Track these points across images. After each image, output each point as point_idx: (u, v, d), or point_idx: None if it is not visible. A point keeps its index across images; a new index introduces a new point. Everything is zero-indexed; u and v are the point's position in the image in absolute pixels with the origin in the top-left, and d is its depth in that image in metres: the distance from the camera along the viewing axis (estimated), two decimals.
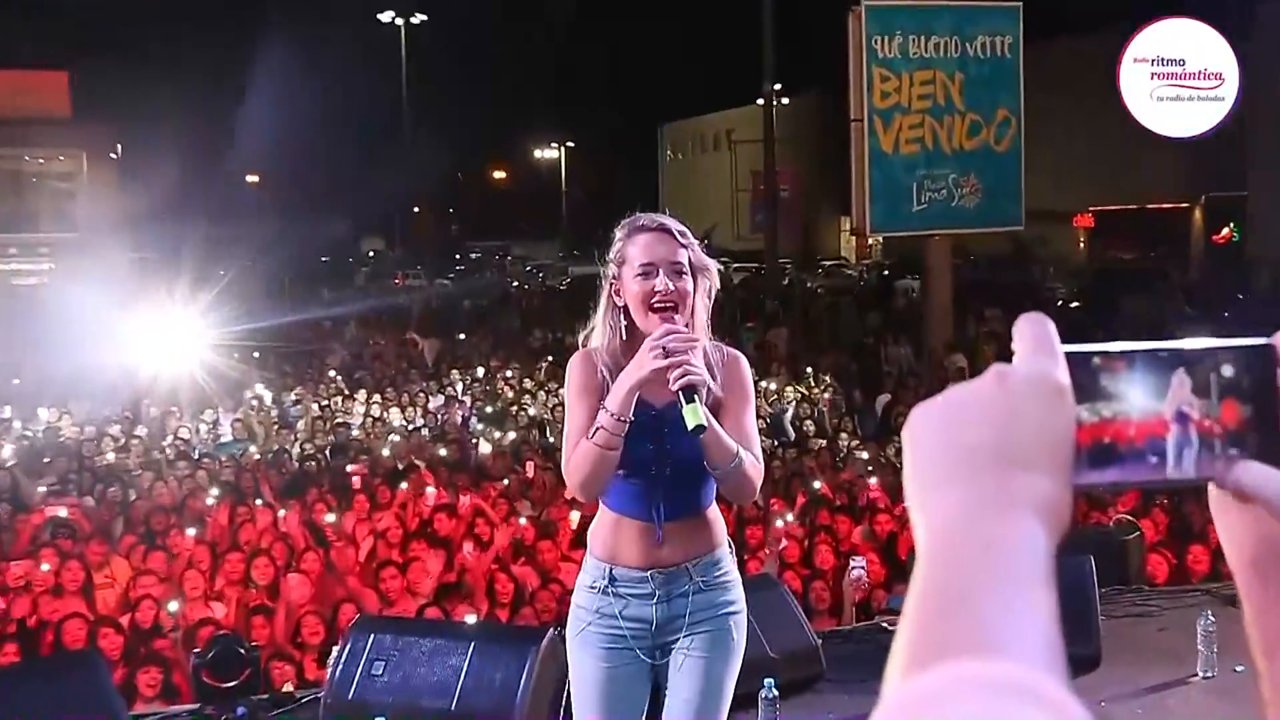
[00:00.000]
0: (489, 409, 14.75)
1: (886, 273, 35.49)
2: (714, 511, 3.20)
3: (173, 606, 6.82)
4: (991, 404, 0.76)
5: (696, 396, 2.86)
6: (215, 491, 9.97)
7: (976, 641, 0.64)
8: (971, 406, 0.76)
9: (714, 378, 3.06)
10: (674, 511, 3.13)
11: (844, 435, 12.44)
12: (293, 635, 6.69)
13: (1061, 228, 36.70)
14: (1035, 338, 0.79)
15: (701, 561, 3.15)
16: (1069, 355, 0.80)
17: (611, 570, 3.15)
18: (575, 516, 8.49)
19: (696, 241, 3.11)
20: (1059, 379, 0.78)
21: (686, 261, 3.07)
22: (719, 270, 3.18)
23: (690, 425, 2.83)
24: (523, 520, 8.67)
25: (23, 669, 5.69)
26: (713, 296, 3.13)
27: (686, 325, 3.01)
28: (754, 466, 3.02)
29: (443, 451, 11.87)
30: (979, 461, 0.74)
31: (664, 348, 2.87)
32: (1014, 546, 0.70)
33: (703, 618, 3.15)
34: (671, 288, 3.03)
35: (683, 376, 2.85)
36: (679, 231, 3.10)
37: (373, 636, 4.98)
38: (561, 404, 14.30)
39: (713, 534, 3.18)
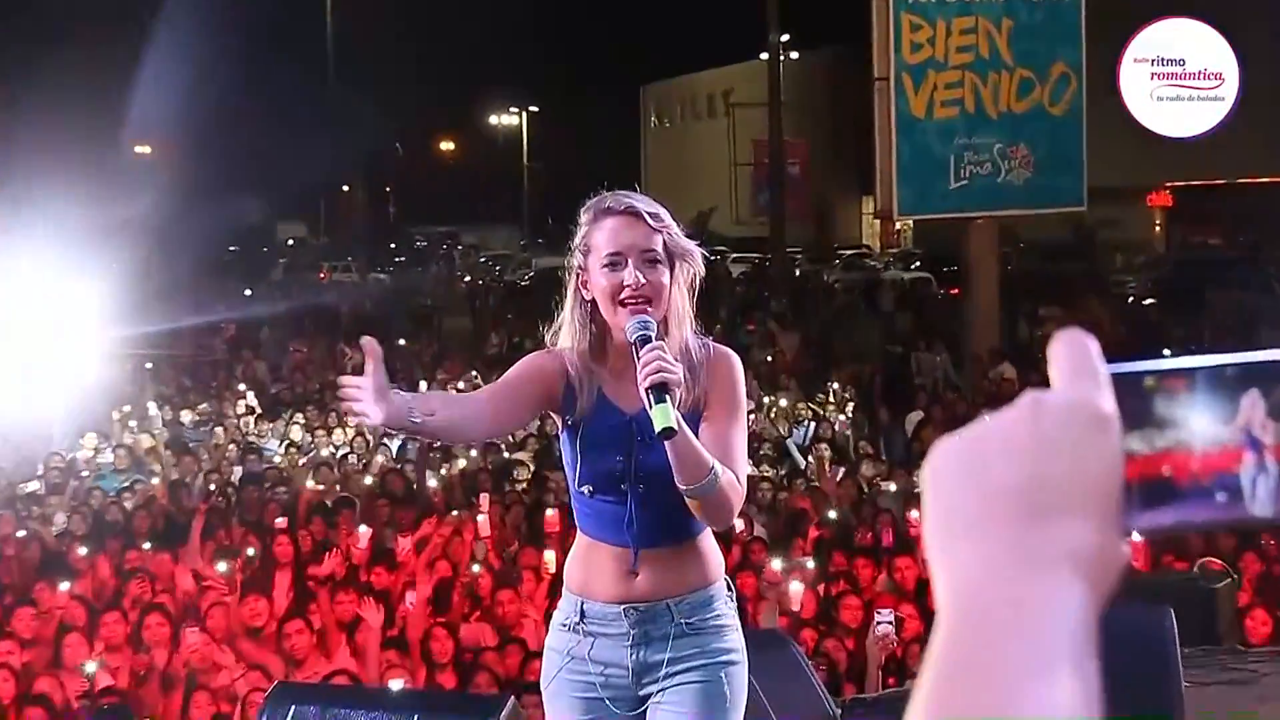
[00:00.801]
0: None
1: (918, 265, 35.62)
2: (706, 541, 3.24)
3: (90, 668, 6.79)
4: (1022, 438, 0.78)
5: (669, 396, 2.90)
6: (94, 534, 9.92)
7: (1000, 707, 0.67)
8: (999, 442, 0.78)
9: (695, 378, 3.12)
10: (649, 536, 3.17)
11: (867, 462, 12.45)
12: (184, 706, 6.65)
13: (1133, 208, 36.91)
14: (1074, 359, 0.81)
15: (687, 599, 3.19)
16: (1116, 377, 0.81)
17: (583, 604, 3.21)
18: (550, 557, 8.48)
19: (672, 222, 3.19)
20: (1102, 406, 0.79)
21: (660, 247, 3.14)
22: (703, 255, 3.24)
23: (658, 427, 2.88)
24: (475, 568, 8.66)
25: None
26: (696, 285, 3.19)
27: (662, 321, 3.10)
28: (732, 486, 3.05)
29: (369, 480, 11.87)
30: (1007, 507, 0.76)
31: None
32: (1045, 610, 0.72)
33: (687, 666, 3.18)
34: (643, 280, 3.10)
35: (656, 373, 2.90)
36: (650, 214, 3.17)
37: (294, 708, 4.95)
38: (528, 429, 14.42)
39: (703, 567, 3.22)
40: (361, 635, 7.33)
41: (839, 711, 5.70)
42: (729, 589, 3.28)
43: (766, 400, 14.95)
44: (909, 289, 28.91)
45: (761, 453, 12.72)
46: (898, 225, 41.36)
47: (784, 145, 31.03)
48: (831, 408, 15.08)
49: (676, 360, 3.00)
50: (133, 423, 14.98)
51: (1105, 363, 0.81)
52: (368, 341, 3.08)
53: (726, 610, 3.24)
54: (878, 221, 44.25)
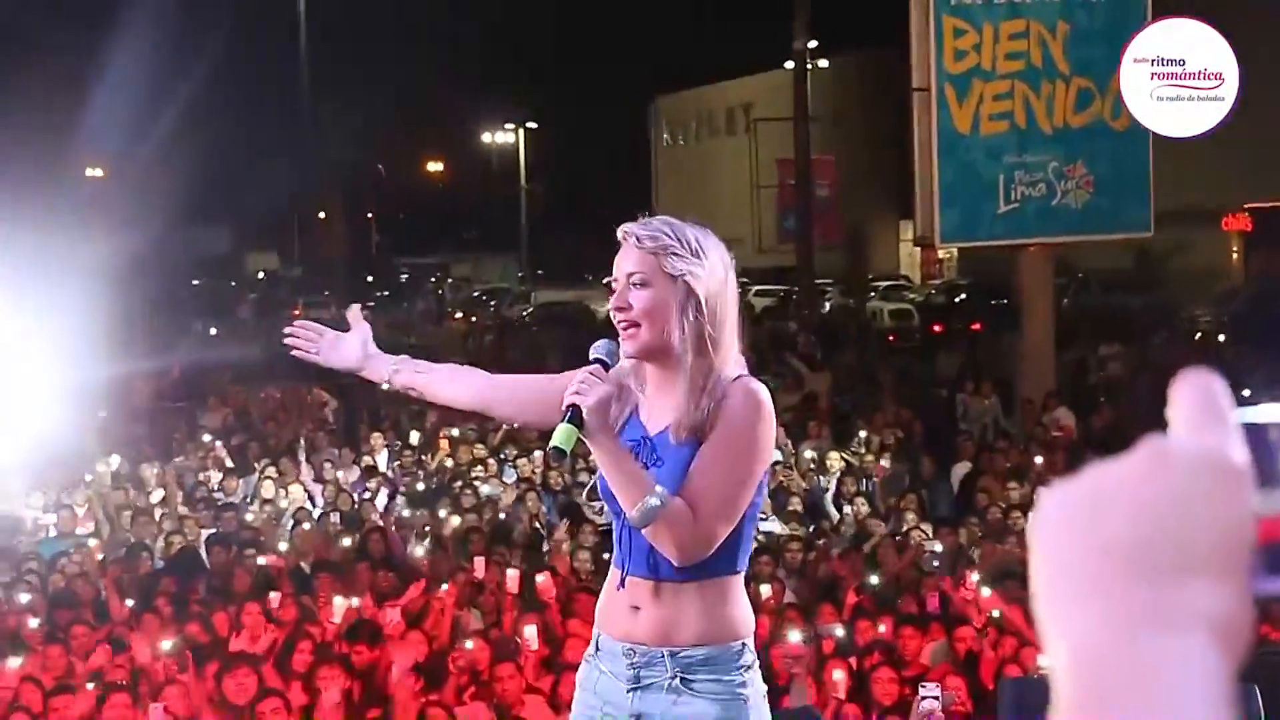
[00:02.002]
0: (422, 486, 14.75)
1: (964, 297, 35.66)
2: (718, 589, 3.30)
3: None
4: (1146, 491, 0.78)
5: (581, 420, 3.23)
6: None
7: None
8: (1118, 494, 0.79)
9: (699, 406, 3.32)
10: (642, 562, 3.33)
11: (909, 518, 12.44)
12: None
13: (1207, 233, 36.87)
14: (1200, 403, 0.81)
15: (688, 653, 3.27)
16: (1244, 426, 0.82)
17: (599, 636, 3.47)
18: (531, 632, 8.47)
19: (679, 240, 3.37)
20: (1233, 457, 0.80)
21: (651, 269, 3.37)
22: (723, 268, 3.41)
23: (551, 444, 3.29)
24: (469, 644, 8.66)
25: None
26: (708, 303, 3.35)
27: (667, 344, 3.35)
28: (676, 520, 3.18)
29: (346, 542, 11.89)
30: (1130, 566, 0.77)
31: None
32: (1186, 677, 0.73)
33: None
34: (627, 303, 3.40)
35: (571, 394, 3.27)
36: (641, 236, 3.40)
37: None
38: (527, 480, 14.45)
39: (711, 620, 3.29)
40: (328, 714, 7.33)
41: None
42: (748, 653, 3.32)
43: (792, 450, 14.94)
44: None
45: (789, 508, 12.73)
46: (940, 254, 41.42)
47: (811, 164, 31.10)
48: (868, 458, 15.08)
49: (666, 391, 3.37)
50: (88, 478, 14.97)
51: (1233, 409, 0.82)
52: (353, 309, 3.72)
53: (738, 678, 3.29)
54: (918, 249, 44.37)
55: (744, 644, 3.31)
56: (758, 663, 3.37)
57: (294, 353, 3.84)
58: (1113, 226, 17.49)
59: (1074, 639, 0.77)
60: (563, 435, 3.25)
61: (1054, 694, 0.77)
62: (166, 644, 8.51)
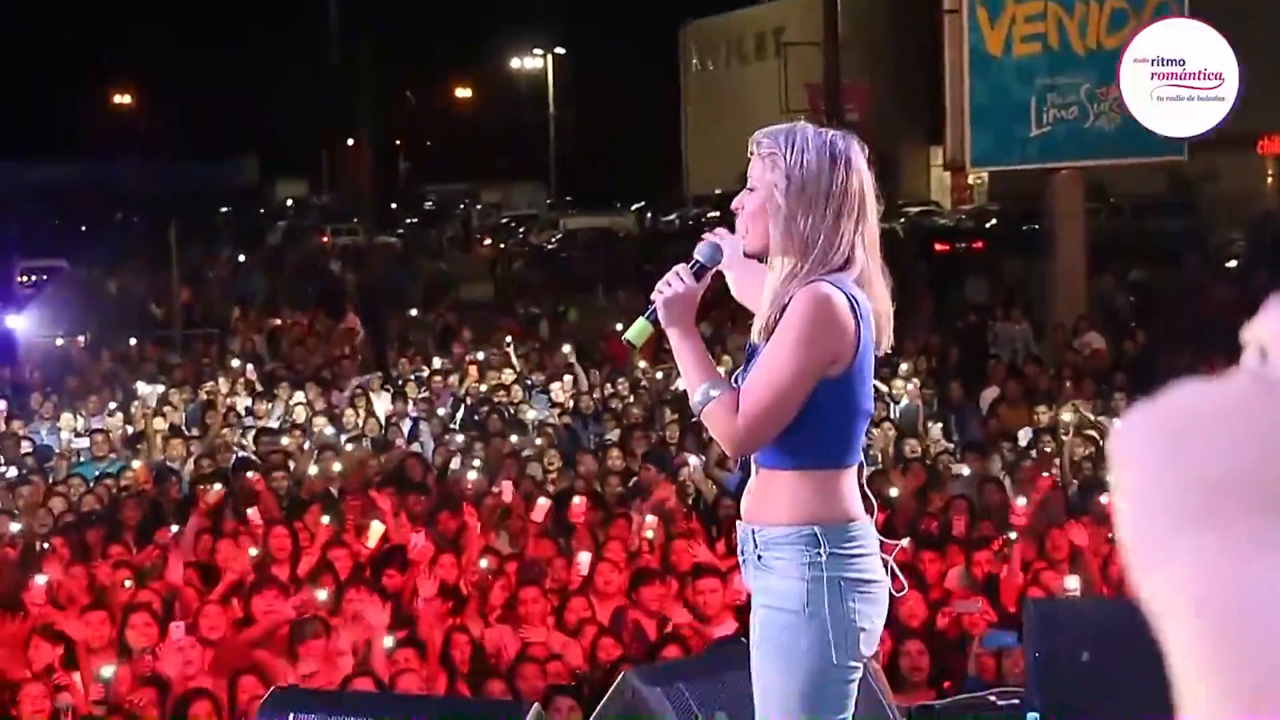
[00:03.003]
0: (449, 410, 14.78)
1: (994, 222, 35.45)
2: (794, 479, 3.53)
3: (106, 672, 6.86)
4: (1256, 417, 0.77)
5: (658, 314, 3.55)
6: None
7: None
8: (1225, 421, 0.77)
9: (776, 309, 3.52)
10: (755, 457, 3.63)
11: (936, 443, 12.42)
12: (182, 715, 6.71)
13: (1241, 156, 36.47)
14: None
15: (763, 531, 3.55)
16: None
17: None
18: (585, 558, 8.51)
19: (782, 142, 3.56)
20: None
21: (761, 174, 3.58)
22: (824, 173, 3.52)
23: (624, 335, 3.67)
24: (484, 563, 8.69)
25: None
26: (795, 208, 3.51)
27: (764, 246, 3.56)
28: (720, 414, 3.48)
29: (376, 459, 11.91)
30: (1243, 499, 0.75)
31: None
32: None
33: (758, 601, 3.60)
34: (740, 205, 3.65)
35: (656, 292, 3.56)
36: (761, 141, 3.62)
37: (292, 717, 4.99)
38: (560, 404, 14.46)
39: (781, 504, 3.54)
40: (368, 636, 7.37)
41: None
42: (816, 542, 3.48)
43: None
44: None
45: None
46: (971, 178, 41.15)
47: (842, 89, 30.86)
48: (896, 384, 15.02)
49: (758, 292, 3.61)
50: (113, 404, 15.06)
51: None
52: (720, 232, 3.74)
53: (804, 558, 3.48)
54: (948, 174, 44.07)
55: (814, 531, 3.47)
56: (843, 553, 3.49)
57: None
58: (1146, 150, 17.27)
59: (1188, 571, 0.76)
60: (635, 329, 3.63)
61: (1166, 627, 0.76)
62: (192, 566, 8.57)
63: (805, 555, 3.47)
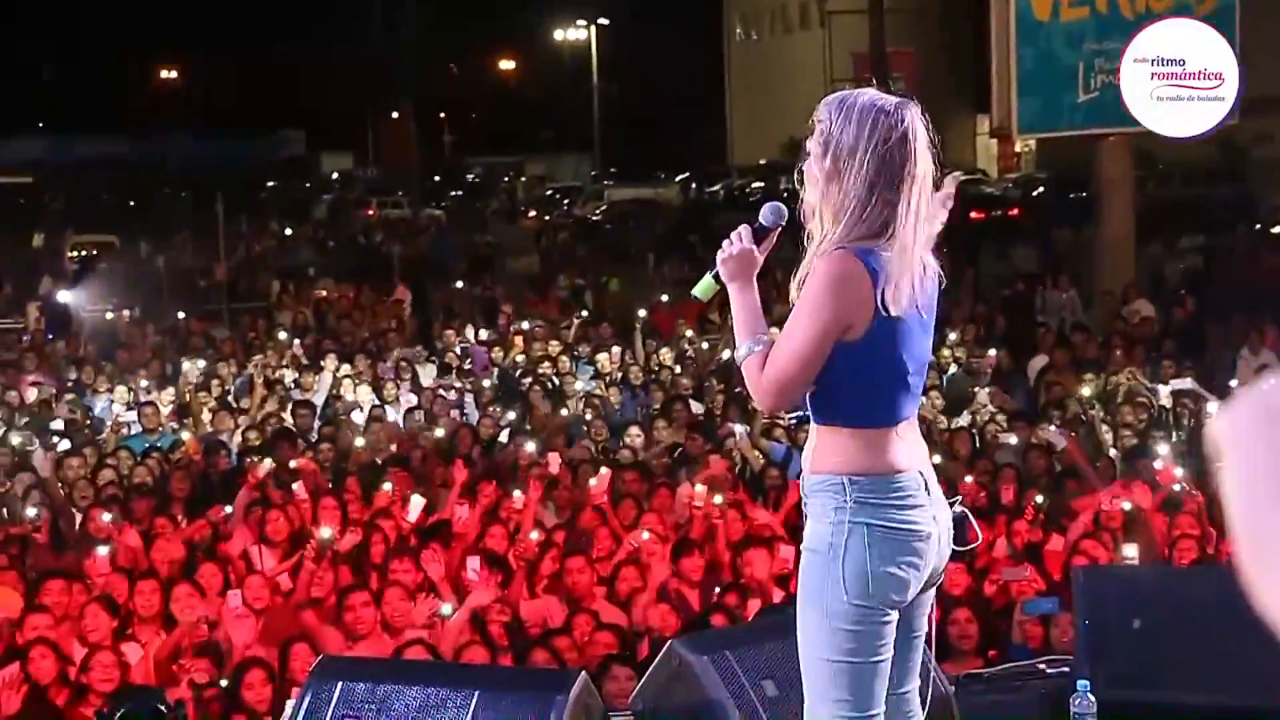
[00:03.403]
0: (494, 382, 14.80)
1: (1041, 190, 35.20)
2: (827, 432, 3.72)
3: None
4: None
5: (718, 274, 3.77)
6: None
7: None
8: None
9: (801, 277, 3.68)
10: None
11: (984, 412, 12.37)
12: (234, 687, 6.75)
13: None
14: None
15: (807, 479, 3.79)
16: None
17: None
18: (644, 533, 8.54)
19: (831, 112, 3.66)
20: None
21: (809, 142, 3.71)
22: (860, 139, 3.60)
23: (693, 291, 3.94)
24: (533, 535, 8.70)
25: None
26: (829, 175, 3.63)
27: (810, 210, 3.68)
28: (752, 370, 3.68)
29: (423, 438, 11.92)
30: None
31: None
32: None
33: (803, 546, 3.78)
34: (798, 175, 3.77)
35: (720, 250, 3.78)
36: (818, 110, 3.73)
37: (341, 685, 5.00)
38: (605, 375, 14.46)
39: (820, 455, 3.74)
40: (417, 606, 7.41)
41: (952, 688, 5.67)
42: (842, 491, 3.65)
43: None
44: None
45: None
46: (1018, 146, 40.88)
47: (888, 57, 30.67)
48: (944, 352, 14.96)
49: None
50: (161, 378, 15.13)
51: None
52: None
53: (827, 503, 3.67)
54: (994, 142, 43.77)
55: (842, 481, 3.64)
56: (871, 502, 3.62)
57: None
58: None
59: None
60: (701, 285, 3.84)
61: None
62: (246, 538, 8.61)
63: (833, 500, 3.65)
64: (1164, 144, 26.52)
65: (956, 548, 3.81)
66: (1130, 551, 7.65)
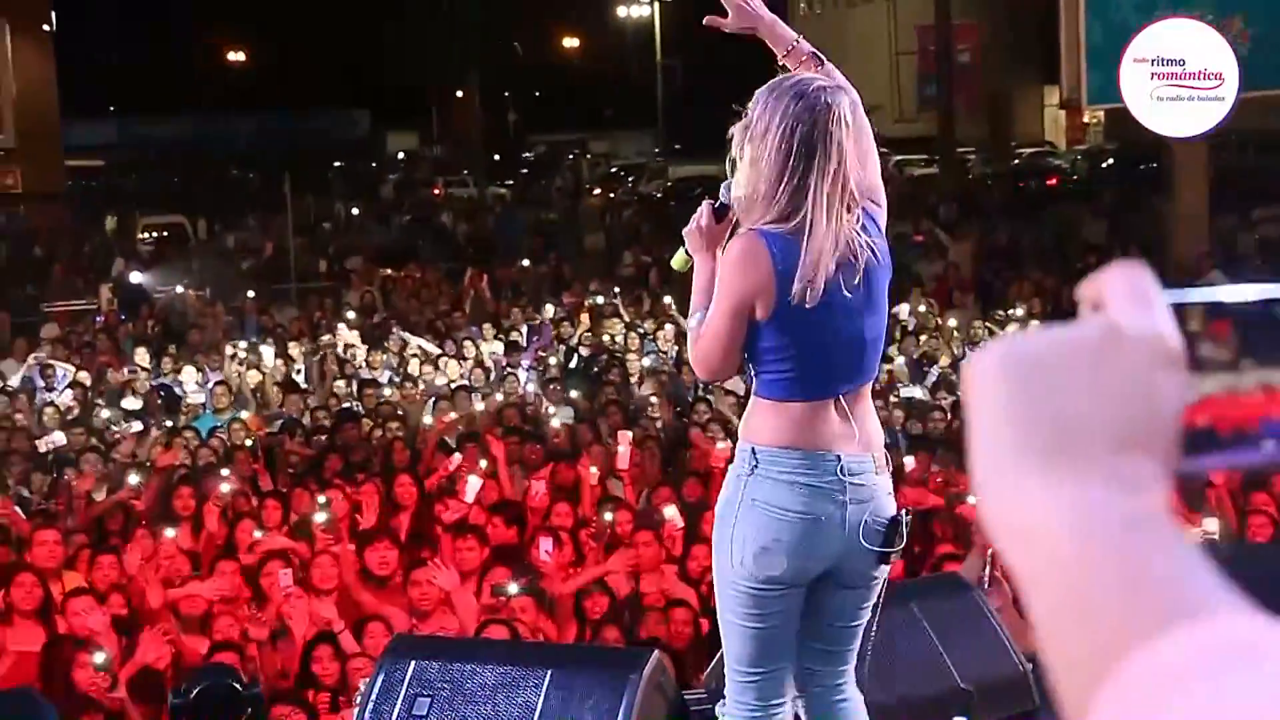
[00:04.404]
0: (561, 360, 14.79)
1: (1110, 161, 34.83)
2: (753, 402, 3.87)
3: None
4: (1106, 367, 0.82)
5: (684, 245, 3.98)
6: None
7: (1174, 609, 0.75)
8: (1078, 365, 0.83)
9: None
10: None
11: None
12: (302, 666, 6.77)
13: None
14: (1137, 290, 0.85)
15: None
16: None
17: None
18: (670, 512, 8.49)
19: (754, 102, 3.80)
20: (1176, 346, 0.84)
21: (733, 129, 3.88)
22: (767, 125, 3.71)
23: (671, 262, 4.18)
24: (607, 516, 8.67)
25: None
26: (743, 160, 3.76)
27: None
28: (690, 338, 3.92)
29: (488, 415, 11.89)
30: (1091, 440, 0.81)
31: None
32: (1160, 520, 0.80)
33: None
34: None
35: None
36: None
37: (414, 664, 4.99)
38: (664, 352, 14.42)
39: (742, 422, 3.93)
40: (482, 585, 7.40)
41: (1029, 665, 5.61)
42: (744, 458, 3.81)
43: (937, 318, 14.71)
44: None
45: (934, 377, 12.55)
46: (1086, 117, 40.47)
47: (953, 29, 30.43)
48: (1012, 327, 14.83)
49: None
50: (232, 353, 15.18)
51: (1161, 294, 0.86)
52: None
53: (734, 470, 3.85)
54: (1063, 114, 43.38)
55: (750, 449, 3.79)
56: (768, 476, 3.74)
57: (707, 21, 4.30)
58: (1271, 83, 16.85)
59: (1034, 501, 0.80)
60: (677, 258, 4.05)
61: (1009, 550, 0.81)
62: (321, 516, 8.61)
63: (738, 468, 3.82)
64: (1238, 112, 26.21)
65: (868, 545, 3.78)
66: (1211, 525, 7.54)
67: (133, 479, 10.02)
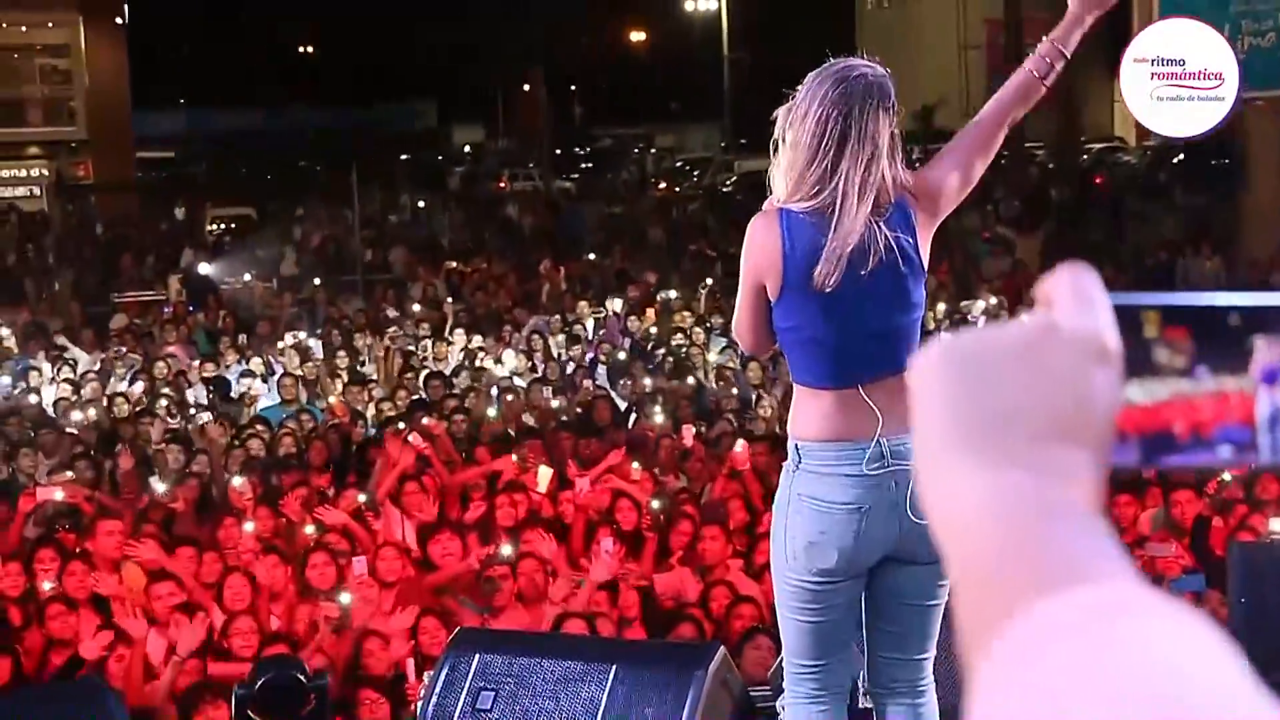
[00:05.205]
0: (627, 354, 14.76)
1: (1182, 157, 34.41)
2: (795, 390, 3.89)
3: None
4: (1039, 362, 0.86)
5: None
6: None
7: (1066, 576, 0.79)
8: (1012, 359, 0.87)
9: None
10: None
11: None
12: (355, 660, 6.78)
13: None
14: (1081, 290, 0.88)
15: None
16: (1117, 310, 0.89)
17: None
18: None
19: (803, 84, 3.80)
20: (1113, 344, 0.87)
21: (778, 112, 3.93)
22: (807, 106, 3.73)
23: None
24: (655, 503, 8.62)
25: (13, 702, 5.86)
26: (783, 143, 3.79)
27: None
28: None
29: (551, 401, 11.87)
30: (1020, 431, 0.85)
31: None
32: (1075, 505, 0.83)
33: None
34: None
35: None
36: None
37: (478, 657, 4.97)
38: (732, 346, 14.36)
39: (790, 415, 3.93)
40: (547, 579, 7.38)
41: None
42: (794, 453, 3.81)
43: (1007, 315, 14.57)
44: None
45: None
46: None
47: (1022, 23, 30.13)
48: None
49: None
50: (284, 344, 15.22)
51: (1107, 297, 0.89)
52: None
53: (786, 466, 3.86)
54: None
55: (795, 445, 3.82)
56: (808, 469, 3.76)
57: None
58: None
59: (965, 489, 0.84)
60: None
61: (951, 546, 0.85)
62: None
63: (788, 464, 3.85)
64: None
65: (919, 519, 3.69)
66: (1278, 526, 7.44)
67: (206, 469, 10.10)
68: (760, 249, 3.74)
